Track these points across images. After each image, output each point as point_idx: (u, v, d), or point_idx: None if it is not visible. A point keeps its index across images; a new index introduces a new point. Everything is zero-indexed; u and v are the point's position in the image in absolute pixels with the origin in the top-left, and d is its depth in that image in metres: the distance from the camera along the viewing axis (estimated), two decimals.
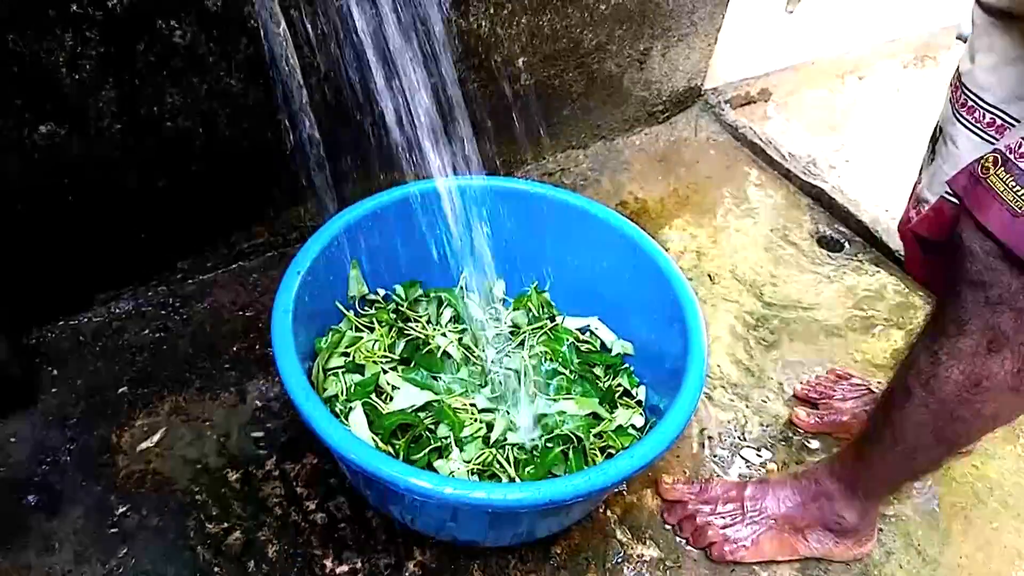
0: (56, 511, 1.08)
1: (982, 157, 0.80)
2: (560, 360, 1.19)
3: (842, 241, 1.73)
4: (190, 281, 1.43)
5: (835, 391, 1.36)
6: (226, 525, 1.09)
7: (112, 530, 1.07)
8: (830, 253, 1.70)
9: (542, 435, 1.08)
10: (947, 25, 2.55)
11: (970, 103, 0.97)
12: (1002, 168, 0.77)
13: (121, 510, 1.09)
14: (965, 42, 2.54)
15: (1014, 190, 0.75)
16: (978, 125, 0.97)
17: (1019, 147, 0.77)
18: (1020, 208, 0.74)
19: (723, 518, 1.13)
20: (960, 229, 0.80)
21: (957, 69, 1.02)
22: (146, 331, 1.34)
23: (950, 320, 0.84)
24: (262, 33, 1.14)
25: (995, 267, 0.78)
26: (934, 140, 1.08)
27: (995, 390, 0.83)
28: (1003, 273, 0.77)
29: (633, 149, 1.92)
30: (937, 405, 0.88)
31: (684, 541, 1.14)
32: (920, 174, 1.13)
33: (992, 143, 0.92)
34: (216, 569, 1.04)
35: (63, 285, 1.30)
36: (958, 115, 0.99)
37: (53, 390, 1.23)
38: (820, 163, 1.92)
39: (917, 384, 0.90)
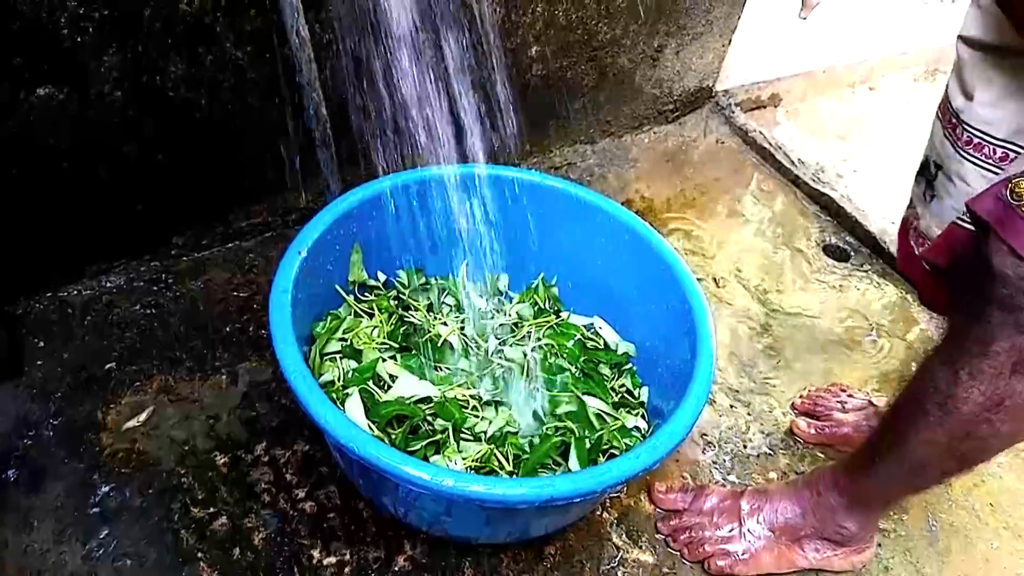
0: (36, 487, 1.05)
1: (1010, 180, 0.78)
2: (566, 355, 1.16)
3: (849, 251, 1.71)
4: (184, 258, 1.39)
5: (835, 404, 1.33)
6: (212, 510, 1.06)
7: (94, 509, 1.04)
8: (836, 262, 1.68)
9: (543, 431, 1.05)
10: None
11: (976, 140, 0.94)
12: None
13: (104, 489, 1.06)
14: None
15: None
16: (989, 161, 0.94)
17: None
18: None
19: (719, 530, 1.10)
20: (989, 253, 0.78)
21: (948, 105, 0.98)
22: (137, 307, 1.30)
23: (974, 341, 0.81)
24: (272, 3, 1.11)
25: None
26: (929, 176, 1.05)
27: (1016, 409, 0.81)
28: None
29: (641, 147, 1.89)
30: (953, 424, 0.86)
31: (679, 553, 1.11)
32: (913, 209, 1.10)
33: None
34: (200, 554, 1.01)
35: (53, 255, 1.26)
36: (963, 152, 0.96)
37: (39, 363, 1.19)
38: (828, 171, 1.90)
39: (933, 404, 0.87)
